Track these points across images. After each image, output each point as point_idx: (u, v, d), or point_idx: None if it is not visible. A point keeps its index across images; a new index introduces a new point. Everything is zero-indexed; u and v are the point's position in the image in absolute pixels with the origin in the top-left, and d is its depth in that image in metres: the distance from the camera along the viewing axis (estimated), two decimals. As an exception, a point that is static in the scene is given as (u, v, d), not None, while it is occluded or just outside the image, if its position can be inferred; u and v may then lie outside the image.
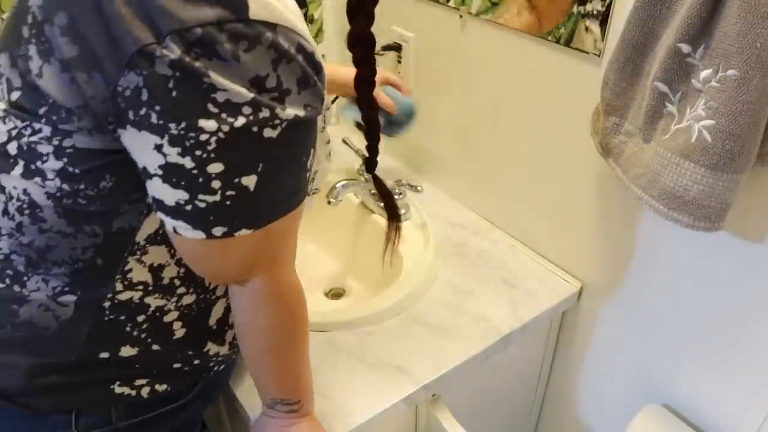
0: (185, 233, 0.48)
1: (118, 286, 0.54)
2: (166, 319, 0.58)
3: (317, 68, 0.47)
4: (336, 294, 1.12)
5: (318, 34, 1.27)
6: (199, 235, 0.47)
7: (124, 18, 0.41)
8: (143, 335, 0.58)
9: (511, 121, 0.96)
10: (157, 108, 0.42)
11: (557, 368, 1.08)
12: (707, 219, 0.62)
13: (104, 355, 0.57)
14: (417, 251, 1.00)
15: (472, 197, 1.11)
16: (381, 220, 1.08)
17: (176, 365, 0.62)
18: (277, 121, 0.45)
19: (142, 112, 0.43)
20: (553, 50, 0.84)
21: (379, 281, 1.02)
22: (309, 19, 1.24)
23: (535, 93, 0.89)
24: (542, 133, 0.91)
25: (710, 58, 0.58)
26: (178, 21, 0.41)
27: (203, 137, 0.43)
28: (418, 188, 1.03)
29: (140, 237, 0.53)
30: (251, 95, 0.43)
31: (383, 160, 1.28)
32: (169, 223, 0.48)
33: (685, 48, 0.59)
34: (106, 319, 0.55)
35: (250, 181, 0.46)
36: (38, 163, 0.48)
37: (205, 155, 0.44)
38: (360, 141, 1.36)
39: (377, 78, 0.86)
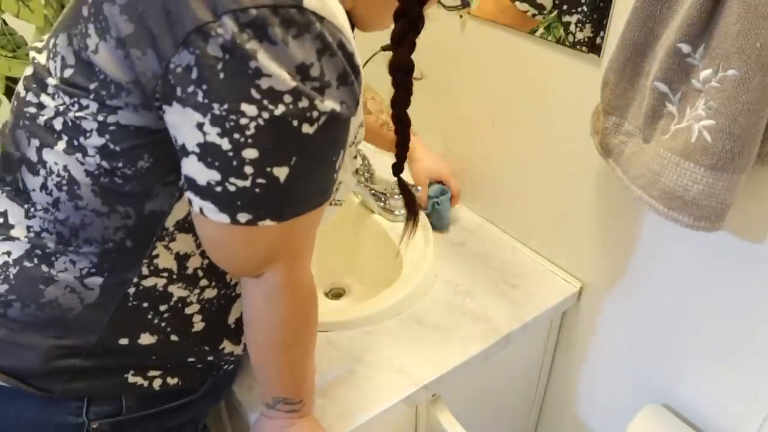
0: (211, 215, 0.48)
1: (144, 271, 0.55)
2: (188, 311, 0.59)
3: (356, 69, 0.49)
4: (336, 294, 1.12)
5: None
6: (224, 218, 0.48)
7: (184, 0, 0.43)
8: (163, 324, 0.59)
9: (511, 121, 0.96)
10: (204, 87, 0.44)
11: (557, 368, 1.08)
12: (707, 219, 0.62)
13: (124, 341, 0.57)
14: (417, 251, 1.00)
15: (472, 197, 1.11)
16: (381, 220, 1.08)
17: (190, 359, 0.63)
18: (315, 113, 0.46)
19: (190, 89, 0.44)
20: (553, 50, 0.84)
21: (379, 281, 1.02)
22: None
23: (535, 93, 0.89)
24: (542, 133, 0.91)
25: (710, 58, 0.58)
26: (236, 1, 0.42)
27: (243, 121, 0.45)
28: (419, 188, 1.03)
29: (170, 222, 0.54)
30: (294, 83, 0.44)
31: (383, 160, 1.28)
32: (197, 203, 0.49)
33: (685, 48, 0.59)
34: (130, 305, 0.56)
35: (281, 172, 0.47)
36: (81, 139, 0.50)
37: (242, 139, 0.45)
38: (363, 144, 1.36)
39: (433, 170, 1.00)
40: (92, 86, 0.48)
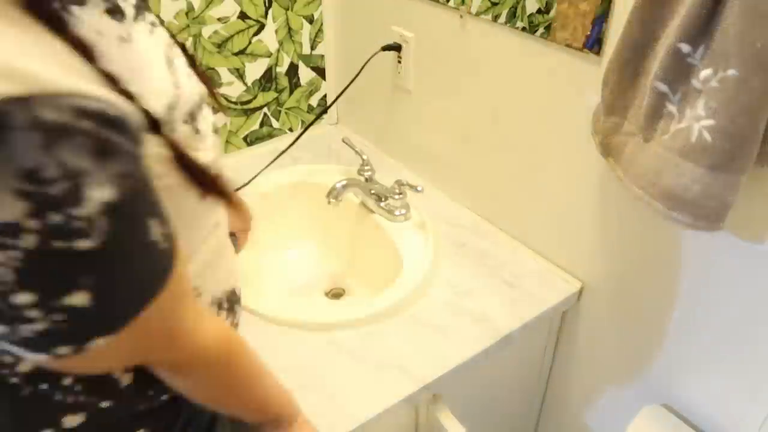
0: (29, 357, 0.39)
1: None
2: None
3: (122, 126, 0.35)
4: (336, 294, 1.12)
5: (318, 35, 1.27)
6: (41, 357, 0.38)
7: None
8: (81, 398, 0.47)
9: (511, 121, 0.96)
10: None
11: (557, 368, 1.08)
12: (707, 219, 0.62)
13: None
14: (417, 251, 1.00)
15: (472, 197, 1.11)
16: (381, 220, 1.08)
17: (143, 407, 0.52)
18: (83, 224, 0.34)
19: None
20: (553, 50, 0.84)
21: (379, 281, 1.02)
22: (309, 19, 1.24)
23: (535, 93, 0.89)
24: (542, 133, 0.91)
25: (710, 58, 0.58)
26: None
27: None
28: (418, 188, 1.03)
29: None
30: (25, 205, 0.31)
31: (384, 160, 1.28)
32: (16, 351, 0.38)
33: (685, 48, 0.59)
34: (23, 394, 0.45)
35: (79, 299, 0.36)
36: None
37: (5, 288, 0.34)
38: (361, 142, 1.36)
39: None
40: None
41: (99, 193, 0.34)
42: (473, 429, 0.94)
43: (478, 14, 0.93)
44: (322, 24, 1.27)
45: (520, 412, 1.13)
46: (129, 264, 0.38)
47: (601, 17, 0.75)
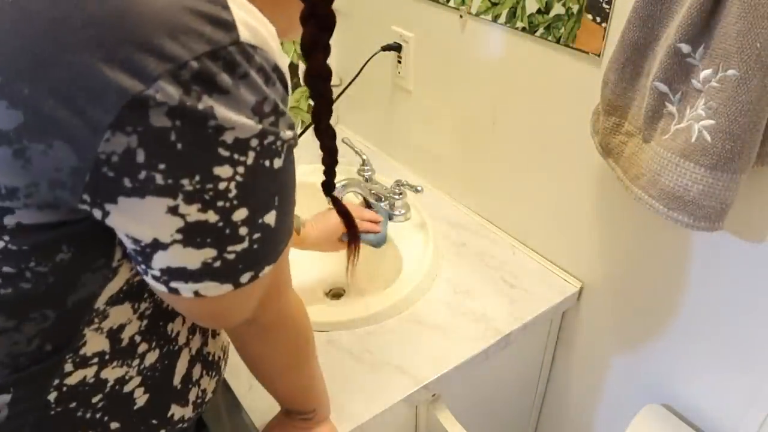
0: (211, 292, 0.42)
1: (68, 367, 0.45)
2: (127, 388, 0.50)
3: (287, 86, 0.43)
4: (336, 294, 1.12)
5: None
6: (227, 288, 0.42)
7: (95, 66, 0.33)
8: (98, 415, 0.49)
9: (511, 121, 0.96)
10: (162, 167, 0.36)
11: (557, 368, 1.08)
12: (707, 219, 0.62)
13: None
14: (417, 251, 1.00)
15: (472, 197, 1.11)
16: (381, 220, 1.08)
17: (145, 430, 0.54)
18: (279, 144, 0.41)
19: (142, 176, 0.36)
20: (553, 50, 0.84)
21: (379, 281, 1.02)
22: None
23: (535, 93, 0.89)
24: (542, 133, 0.91)
25: (710, 58, 0.58)
26: (169, 57, 0.34)
27: (222, 185, 0.38)
28: (418, 188, 1.03)
29: (100, 302, 0.44)
30: (258, 126, 0.39)
31: (384, 160, 1.28)
32: (188, 288, 0.41)
33: (685, 48, 0.59)
34: (53, 413, 0.46)
35: (271, 217, 0.43)
36: None
37: (227, 204, 0.39)
38: (361, 142, 1.36)
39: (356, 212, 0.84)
40: None
41: (287, 131, 0.42)
42: (473, 429, 0.94)
43: (478, 14, 0.93)
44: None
45: (519, 412, 1.13)
46: (291, 192, 0.45)
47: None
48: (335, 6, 0.46)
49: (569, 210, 0.92)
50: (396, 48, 1.11)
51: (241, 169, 0.39)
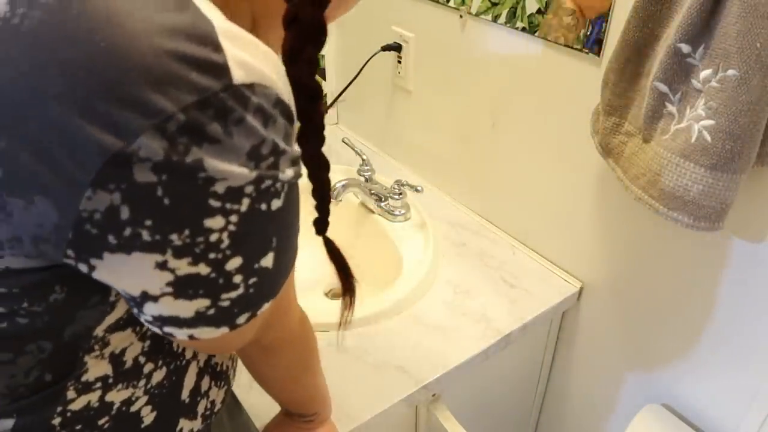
0: (206, 335, 0.41)
1: (71, 395, 0.44)
2: (134, 408, 0.49)
3: (291, 117, 0.40)
4: (336, 294, 1.12)
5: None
6: (223, 331, 0.41)
7: (72, 121, 0.31)
8: None
9: (511, 121, 0.96)
10: (148, 223, 0.34)
11: (557, 368, 1.08)
12: (707, 219, 0.62)
13: None
14: (417, 251, 1.00)
15: (472, 197, 1.11)
16: (381, 220, 1.08)
17: None
18: (278, 185, 0.39)
19: (127, 232, 0.34)
20: (553, 50, 0.84)
21: (379, 281, 1.02)
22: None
23: (535, 93, 0.89)
24: (542, 133, 0.91)
25: (710, 58, 0.58)
26: (153, 112, 0.31)
27: (213, 237, 0.36)
28: (418, 188, 1.03)
29: (99, 330, 0.43)
30: (253, 173, 0.36)
31: (384, 160, 1.28)
32: (183, 333, 0.40)
33: (685, 48, 0.59)
34: None
35: (268, 260, 0.40)
36: None
37: (220, 255, 0.37)
38: (361, 142, 1.36)
39: None
40: None
41: (289, 170, 0.39)
42: (473, 429, 0.94)
43: (478, 14, 0.93)
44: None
45: (519, 412, 1.13)
46: (293, 228, 0.43)
47: (601, 17, 0.75)
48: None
49: (569, 210, 0.92)
50: (396, 48, 1.11)
51: (234, 218, 0.36)
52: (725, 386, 0.79)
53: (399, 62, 1.13)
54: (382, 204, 1.08)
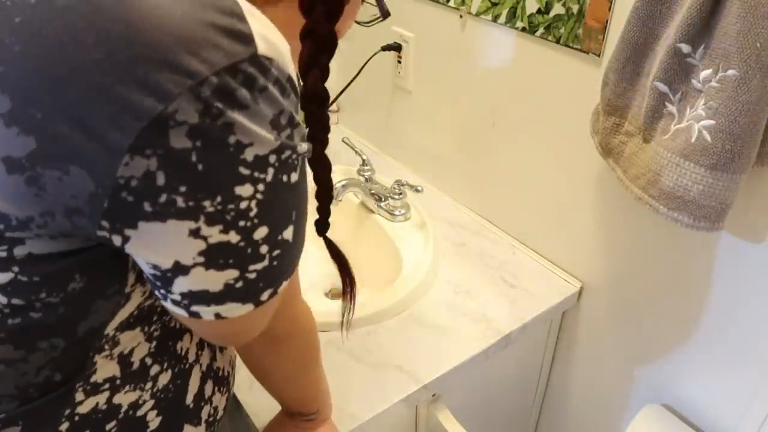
0: (232, 313, 0.41)
1: (79, 396, 0.44)
2: (140, 412, 0.49)
3: (299, 97, 0.42)
4: (336, 294, 1.12)
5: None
6: (248, 308, 0.42)
7: (110, 87, 0.32)
8: None
9: (511, 121, 0.96)
10: (183, 189, 0.35)
11: (557, 368, 1.08)
12: (707, 219, 0.62)
13: None
14: (417, 251, 1.00)
15: (472, 197, 1.11)
16: (381, 220, 1.08)
17: None
18: (296, 159, 0.40)
19: (163, 199, 0.35)
20: (553, 50, 0.84)
21: (379, 281, 1.02)
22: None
23: (535, 93, 0.89)
24: (542, 133, 0.91)
25: (710, 58, 0.58)
26: (188, 73, 0.33)
27: (243, 205, 0.37)
28: (418, 188, 1.03)
29: (110, 328, 0.44)
30: (276, 141, 0.38)
31: (384, 160, 1.28)
32: (210, 311, 0.41)
33: (685, 48, 0.59)
34: None
35: (289, 233, 0.42)
36: None
37: (248, 223, 0.38)
38: (361, 142, 1.36)
39: None
40: None
41: (302, 143, 0.41)
42: (473, 429, 0.94)
43: (478, 14, 0.93)
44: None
45: (519, 412, 1.13)
46: (306, 203, 0.44)
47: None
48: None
49: (569, 210, 0.92)
50: (396, 48, 1.11)
51: (261, 187, 0.38)
52: (725, 386, 0.79)
53: (399, 62, 1.13)
54: (382, 204, 1.08)
